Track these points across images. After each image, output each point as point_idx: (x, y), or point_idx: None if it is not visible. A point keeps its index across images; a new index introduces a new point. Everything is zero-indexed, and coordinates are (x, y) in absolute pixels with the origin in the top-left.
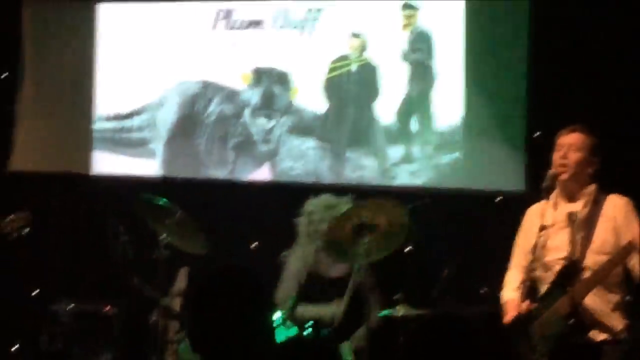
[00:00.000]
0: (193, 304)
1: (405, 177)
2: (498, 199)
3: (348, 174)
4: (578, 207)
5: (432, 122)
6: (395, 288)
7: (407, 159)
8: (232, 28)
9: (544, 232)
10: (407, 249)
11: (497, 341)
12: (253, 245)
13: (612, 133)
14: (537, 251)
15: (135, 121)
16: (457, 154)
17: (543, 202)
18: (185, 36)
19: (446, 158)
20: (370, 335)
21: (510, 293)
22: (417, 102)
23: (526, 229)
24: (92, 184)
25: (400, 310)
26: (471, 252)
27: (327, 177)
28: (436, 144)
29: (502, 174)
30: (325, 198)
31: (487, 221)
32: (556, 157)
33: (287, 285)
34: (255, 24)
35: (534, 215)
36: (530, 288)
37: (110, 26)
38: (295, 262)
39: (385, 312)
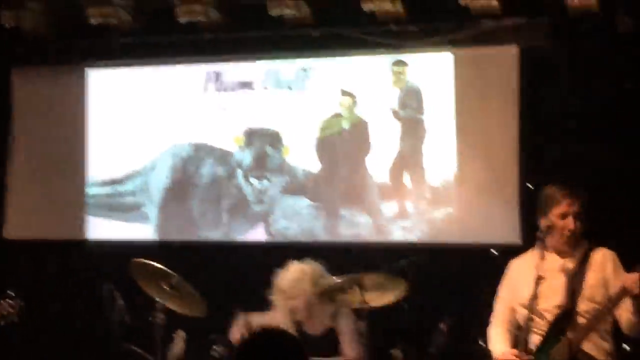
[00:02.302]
0: None
1: (400, 233)
2: (494, 252)
3: (343, 232)
4: (567, 261)
5: (425, 177)
6: (391, 343)
7: (401, 214)
8: (222, 90)
9: (540, 282)
10: (404, 305)
11: None
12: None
13: (603, 186)
14: (530, 301)
15: (128, 186)
16: (450, 209)
17: (527, 255)
18: (176, 99)
19: (440, 213)
20: None
21: (502, 346)
22: (409, 158)
23: (513, 282)
24: (86, 250)
25: None
26: (468, 307)
27: (322, 235)
28: (429, 199)
29: (497, 228)
30: (291, 274)
31: (483, 275)
32: (559, 221)
33: None
34: (245, 85)
35: (521, 269)
36: (516, 337)
37: (100, 91)
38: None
39: None
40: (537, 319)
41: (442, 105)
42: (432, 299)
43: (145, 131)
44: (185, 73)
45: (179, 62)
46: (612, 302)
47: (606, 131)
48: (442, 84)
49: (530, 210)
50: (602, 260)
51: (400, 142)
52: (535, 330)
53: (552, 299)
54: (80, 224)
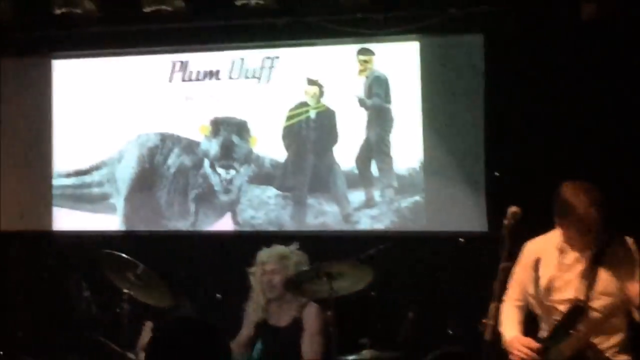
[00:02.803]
0: (151, 357)
1: (367, 221)
2: (461, 240)
3: (310, 221)
4: (583, 250)
5: (392, 165)
6: (360, 333)
7: (368, 203)
8: (188, 79)
9: (552, 272)
10: (372, 294)
11: None
12: (217, 296)
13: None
14: (542, 289)
15: (95, 176)
16: (418, 197)
17: (546, 238)
18: (142, 89)
19: (407, 201)
20: None
21: (513, 331)
22: (376, 147)
23: (525, 265)
24: (53, 241)
25: (366, 355)
26: (436, 295)
27: (289, 224)
28: (397, 188)
29: (464, 215)
30: (277, 248)
31: (451, 262)
32: (577, 233)
33: (242, 335)
34: (211, 74)
35: (539, 252)
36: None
37: (66, 82)
38: (252, 313)
39: (351, 358)
40: (548, 310)
41: (408, 94)
42: (400, 287)
43: (111, 121)
44: (151, 63)
45: (144, 52)
46: (614, 310)
47: (571, 117)
48: (409, 72)
49: (497, 198)
50: (618, 251)
51: (367, 130)
52: (546, 319)
53: (565, 292)
54: (46, 215)
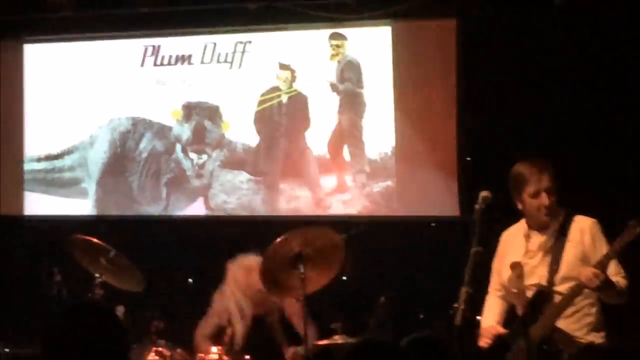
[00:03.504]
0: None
1: (339, 206)
2: (432, 224)
3: (282, 206)
4: (546, 235)
5: (364, 151)
6: (332, 317)
7: (340, 188)
8: (160, 64)
9: (519, 259)
10: (344, 279)
11: None
12: (189, 281)
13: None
14: (514, 278)
15: (67, 161)
16: (389, 182)
17: (516, 227)
18: (114, 74)
19: (379, 186)
20: None
21: (489, 320)
22: (348, 132)
23: (501, 255)
24: (24, 226)
25: (337, 340)
26: (408, 280)
27: (261, 209)
28: (369, 173)
29: (436, 200)
30: (246, 259)
31: (422, 247)
32: (533, 201)
33: (208, 324)
34: (184, 59)
35: (509, 241)
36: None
37: (37, 66)
38: (220, 301)
39: (323, 342)
40: (519, 297)
41: (381, 79)
42: (372, 272)
43: (83, 106)
44: (123, 47)
45: (116, 36)
46: (573, 293)
47: (545, 102)
48: (381, 57)
49: (469, 183)
50: (581, 232)
51: (339, 115)
52: (519, 306)
53: (531, 278)
54: (18, 200)
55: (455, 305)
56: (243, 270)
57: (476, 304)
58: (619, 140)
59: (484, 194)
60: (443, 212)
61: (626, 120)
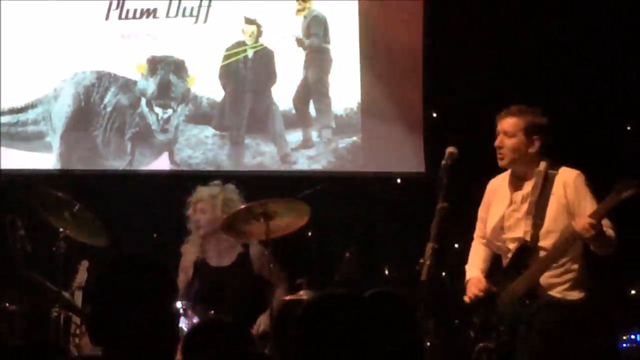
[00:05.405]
0: (92, 296)
1: (305, 162)
2: (398, 181)
3: (248, 161)
4: (529, 187)
5: (330, 106)
6: (297, 273)
7: (306, 144)
8: (125, 17)
9: (503, 211)
10: (309, 234)
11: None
12: (154, 236)
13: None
14: (496, 227)
15: (30, 114)
16: (355, 138)
17: (502, 175)
18: (78, 27)
19: (345, 142)
20: (273, 320)
21: (474, 271)
22: (314, 87)
23: (486, 203)
24: None
25: (303, 295)
26: (373, 235)
27: (227, 164)
28: (334, 129)
29: (402, 156)
30: (208, 187)
31: (388, 203)
32: (509, 135)
33: (178, 280)
34: (149, 12)
35: (493, 190)
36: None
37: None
38: (188, 254)
39: (288, 298)
40: (502, 248)
41: (347, 35)
42: (337, 227)
43: (46, 59)
44: (87, 0)
45: None
46: (563, 246)
47: (511, 61)
48: (348, 13)
49: (435, 139)
50: (564, 185)
51: (305, 70)
52: (504, 257)
53: (515, 231)
54: None
55: (421, 260)
56: (207, 199)
57: (442, 260)
58: (585, 94)
59: (450, 149)
60: (409, 168)
61: (594, 71)
